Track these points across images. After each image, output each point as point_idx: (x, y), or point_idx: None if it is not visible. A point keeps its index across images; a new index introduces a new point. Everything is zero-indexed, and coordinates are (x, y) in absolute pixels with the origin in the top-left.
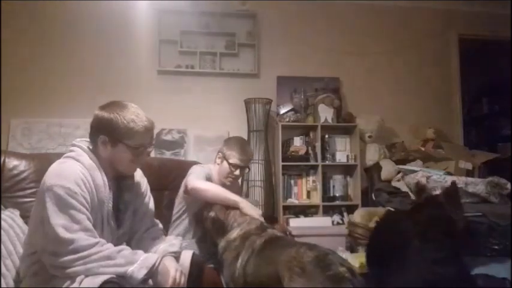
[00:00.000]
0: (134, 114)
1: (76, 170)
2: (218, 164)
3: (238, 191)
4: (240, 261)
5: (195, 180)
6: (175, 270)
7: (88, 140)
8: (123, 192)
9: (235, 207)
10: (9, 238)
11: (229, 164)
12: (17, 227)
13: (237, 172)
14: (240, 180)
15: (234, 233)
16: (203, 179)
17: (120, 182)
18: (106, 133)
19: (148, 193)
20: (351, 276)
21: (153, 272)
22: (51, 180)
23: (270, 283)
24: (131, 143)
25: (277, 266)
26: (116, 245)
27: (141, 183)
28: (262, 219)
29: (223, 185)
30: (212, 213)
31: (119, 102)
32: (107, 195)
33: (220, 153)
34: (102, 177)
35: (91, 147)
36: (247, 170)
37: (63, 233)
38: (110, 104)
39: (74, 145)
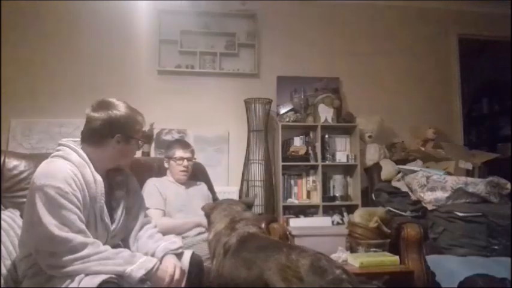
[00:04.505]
0: (131, 109)
1: (66, 168)
2: (168, 168)
3: (190, 186)
4: (214, 262)
5: (160, 224)
6: (174, 267)
7: (75, 140)
8: (114, 189)
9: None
10: (9, 238)
11: (175, 159)
12: (17, 227)
13: (185, 163)
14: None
15: (211, 234)
16: (158, 207)
17: (111, 180)
18: (121, 131)
19: (139, 191)
20: (347, 276)
21: (151, 275)
22: (40, 180)
23: (252, 286)
24: (139, 136)
25: (262, 271)
26: (111, 243)
27: (131, 180)
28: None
29: (179, 181)
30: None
31: (110, 101)
32: (98, 191)
33: (165, 158)
34: (93, 174)
35: (80, 146)
36: (193, 160)
37: (59, 232)
38: (104, 103)
39: (60, 144)
